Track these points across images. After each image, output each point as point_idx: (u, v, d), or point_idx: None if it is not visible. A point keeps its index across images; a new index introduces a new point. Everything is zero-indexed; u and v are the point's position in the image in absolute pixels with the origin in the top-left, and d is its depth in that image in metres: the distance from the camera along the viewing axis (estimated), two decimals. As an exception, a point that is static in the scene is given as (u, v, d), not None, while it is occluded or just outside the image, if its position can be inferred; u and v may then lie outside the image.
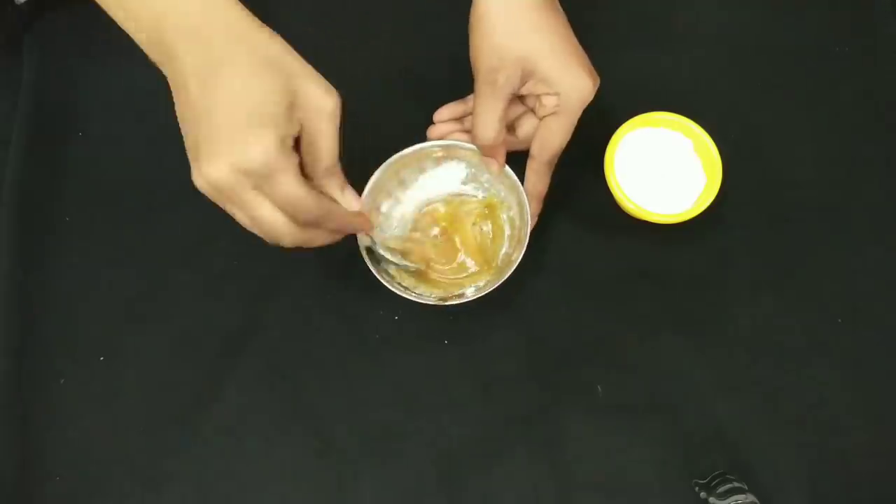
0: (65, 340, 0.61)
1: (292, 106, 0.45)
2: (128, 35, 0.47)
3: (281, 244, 0.48)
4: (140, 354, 0.61)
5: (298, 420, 0.59)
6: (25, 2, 0.68)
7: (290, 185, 0.44)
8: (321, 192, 0.49)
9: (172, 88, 0.45)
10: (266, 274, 0.63)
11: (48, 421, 0.59)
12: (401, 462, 0.58)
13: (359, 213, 0.53)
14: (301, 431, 0.59)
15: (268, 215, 0.45)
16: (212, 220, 0.63)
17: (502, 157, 0.59)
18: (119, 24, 0.47)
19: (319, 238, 0.50)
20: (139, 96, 0.67)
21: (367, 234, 0.57)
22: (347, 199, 0.52)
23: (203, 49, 0.44)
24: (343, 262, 0.61)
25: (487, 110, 0.56)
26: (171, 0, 0.44)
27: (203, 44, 0.44)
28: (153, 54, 0.46)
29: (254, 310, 0.62)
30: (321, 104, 0.46)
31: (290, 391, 0.60)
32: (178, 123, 0.62)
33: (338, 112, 0.47)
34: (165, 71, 0.46)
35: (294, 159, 0.45)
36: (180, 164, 0.65)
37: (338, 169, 0.50)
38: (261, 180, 0.44)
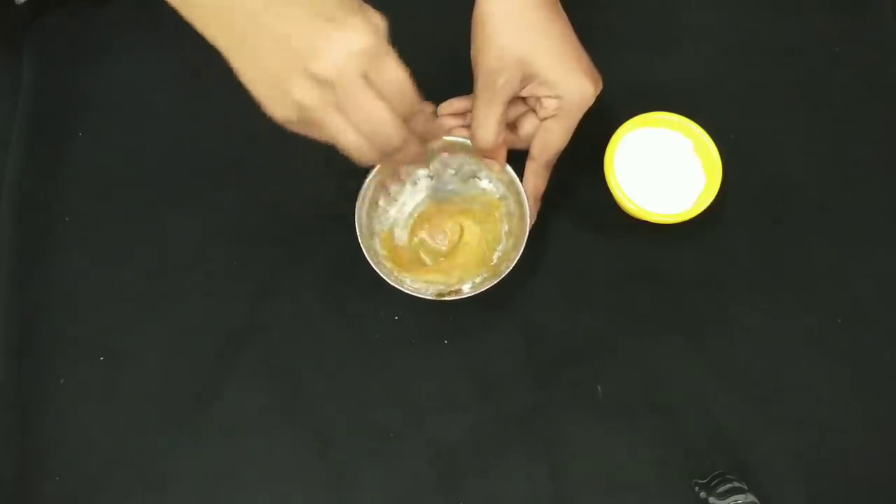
0: (65, 340, 0.61)
1: None
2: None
3: (380, 146, 0.46)
4: (140, 354, 0.61)
5: (298, 420, 0.59)
6: (25, 2, 0.68)
7: (396, 66, 0.44)
8: None
9: (235, 35, 0.44)
10: (266, 274, 0.63)
11: (48, 421, 0.59)
12: (400, 462, 0.58)
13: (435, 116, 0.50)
14: (301, 431, 0.59)
15: (378, 107, 0.44)
16: (212, 219, 0.64)
17: (503, 158, 0.59)
18: None
19: (411, 146, 0.48)
20: (139, 96, 0.67)
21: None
22: (424, 105, 0.49)
23: None
24: (343, 262, 0.61)
25: (486, 114, 0.56)
26: None
27: None
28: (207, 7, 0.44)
29: (254, 310, 0.62)
30: (379, 20, 0.46)
31: (290, 391, 0.60)
32: (178, 122, 0.62)
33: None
34: (220, 20, 0.44)
35: None
36: (180, 164, 0.66)
37: None
38: (371, 63, 0.43)
